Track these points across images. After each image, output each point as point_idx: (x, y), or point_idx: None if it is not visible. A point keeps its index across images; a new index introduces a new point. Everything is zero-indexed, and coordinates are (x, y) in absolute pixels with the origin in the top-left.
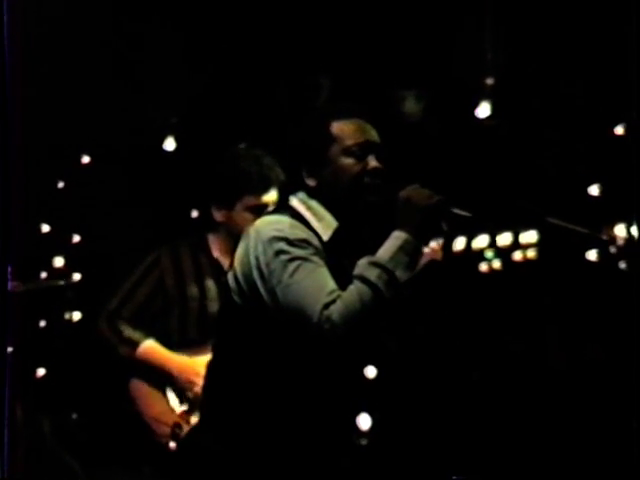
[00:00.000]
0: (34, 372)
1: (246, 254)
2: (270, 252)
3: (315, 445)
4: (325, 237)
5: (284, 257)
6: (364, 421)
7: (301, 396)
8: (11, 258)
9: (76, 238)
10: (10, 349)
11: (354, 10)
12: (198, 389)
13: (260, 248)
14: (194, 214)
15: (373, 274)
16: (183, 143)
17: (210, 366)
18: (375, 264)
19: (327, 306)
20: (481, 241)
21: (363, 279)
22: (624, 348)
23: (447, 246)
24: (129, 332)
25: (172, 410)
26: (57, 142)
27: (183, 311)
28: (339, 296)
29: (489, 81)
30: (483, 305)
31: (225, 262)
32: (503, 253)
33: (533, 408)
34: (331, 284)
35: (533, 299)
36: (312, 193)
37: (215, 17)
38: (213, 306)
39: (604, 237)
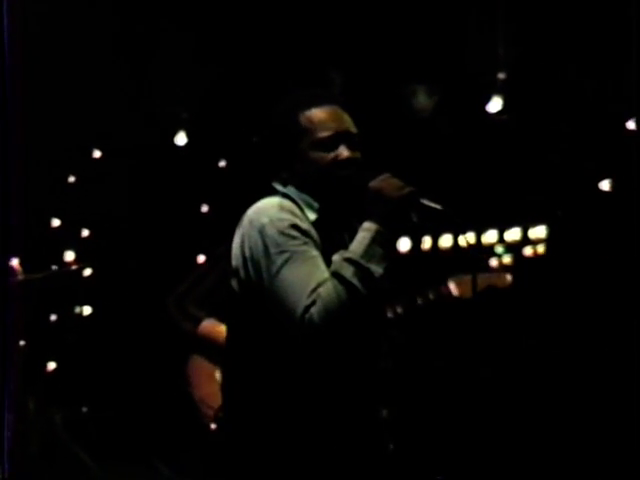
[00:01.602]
0: (45, 366)
1: (241, 245)
2: (260, 244)
3: (334, 440)
4: (312, 217)
5: (273, 250)
6: None
7: (307, 388)
8: (14, 251)
9: (86, 232)
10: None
11: (366, 5)
12: None
13: (252, 240)
14: (204, 209)
15: (348, 272)
16: (194, 138)
17: (225, 356)
18: (349, 260)
19: (308, 309)
20: (491, 236)
21: (339, 277)
22: (633, 344)
23: (416, 238)
24: (193, 310)
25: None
26: (68, 137)
27: None
28: (319, 295)
29: (500, 76)
30: (493, 301)
31: None
32: (513, 248)
33: (544, 403)
34: (316, 277)
35: (543, 295)
36: (286, 184)
37: (225, 13)
38: None
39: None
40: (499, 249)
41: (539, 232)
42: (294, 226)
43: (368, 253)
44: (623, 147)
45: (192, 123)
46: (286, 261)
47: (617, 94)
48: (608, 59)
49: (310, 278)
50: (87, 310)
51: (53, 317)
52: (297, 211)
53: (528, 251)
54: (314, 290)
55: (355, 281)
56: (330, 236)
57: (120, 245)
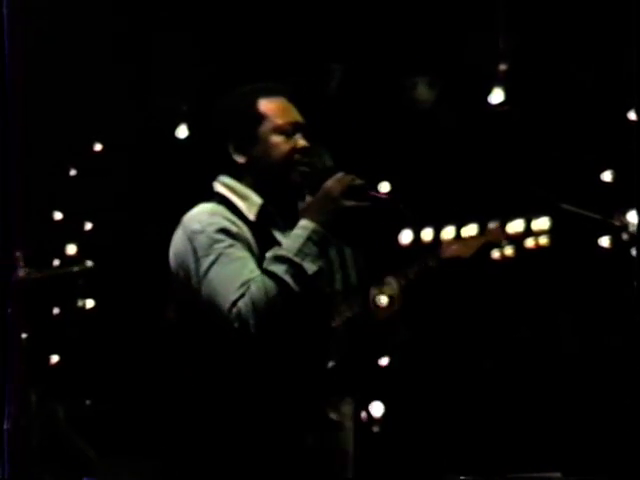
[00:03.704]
0: (48, 359)
1: (174, 251)
2: (190, 249)
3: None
4: (251, 216)
5: (201, 253)
6: (377, 409)
7: (244, 387)
8: (19, 245)
9: (88, 226)
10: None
11: None
12: None
13: (183, 246)
14: None
15: (280, 268)
16: (195, 131)
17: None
18: (282, 258)
19: (235, 303)
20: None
21: (270, 274)
22: (636, 334)
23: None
24: None
25: None
26: (69, 130)
27: None
28: (248, 289)
29: (501, 67)
30: (495, 292)
31: None
32: (515, 240)
33: (545, 395)
34: (244, 274)
35: (545, 286)
36: (238, 170)
37: (225, 4)
38: None
39: (616, 223)
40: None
41: (542, 224)
42: (223, 230)
43: (302, 251)
44: (624, 138)
45: (193, 116)
46: (213, 262)
47: (618, 84)
48: (610, 49)
49: (237, 275)
50: (90, 303)
51: (56, 310)
52: (230, 215)
53: (530, 243)
54: (243, 285)
55: (287, 278)
56: (271, 236)
57: (122, 238)
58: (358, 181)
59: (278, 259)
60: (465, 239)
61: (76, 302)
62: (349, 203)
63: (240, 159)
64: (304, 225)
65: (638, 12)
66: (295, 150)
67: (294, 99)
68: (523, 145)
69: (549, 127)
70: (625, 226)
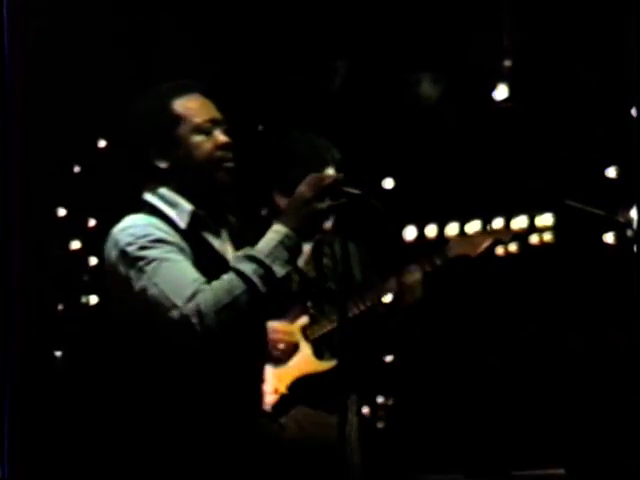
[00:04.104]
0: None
1: (107, 260)
2: (126, 261)
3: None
4: (183, 224)
5: (140, 264)
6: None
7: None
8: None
9: (92, 222)
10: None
11: None
12: None
13: (116, 256)
14: None
15: (249, 267)
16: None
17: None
18: (252, 258)
19: (192, 297)
20: (498, 224)
21: (238, 272)
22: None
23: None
24: None
25: None
26: (73, 127)
27: None
28: (210, 284)
29: (506, 63)
30: (499, 289)
31: None
32: (519, 236)
33: (550, 392)
34: (194, 275)
35: (549, 282)
36: (163, 177)
37: (227, 2)
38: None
39: (621, 220)
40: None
41: (546, 220)
42: (159, 240)
43: (273, 254)
44: (628, 134)
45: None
46: (157, 267)
47: (621, 80)
48: (614, 46)
49: (188, 272)
50: (93, 299)
51: (60, 307)
52: (162, 225)
53: (534, 239)
54: (197, 279)
55: (255, 278)
56: (205, 241)
57: None
58: (328, 180)
59: (248, 258)
60: (472, 237)
61: (79, 299)
62: (322, 205)
63: (162, 164)
64: (277, 229)
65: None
66: (217, 147)
67: (208, 93)
68: (527, 141)
69: (553, 123)
70: (629, 222)
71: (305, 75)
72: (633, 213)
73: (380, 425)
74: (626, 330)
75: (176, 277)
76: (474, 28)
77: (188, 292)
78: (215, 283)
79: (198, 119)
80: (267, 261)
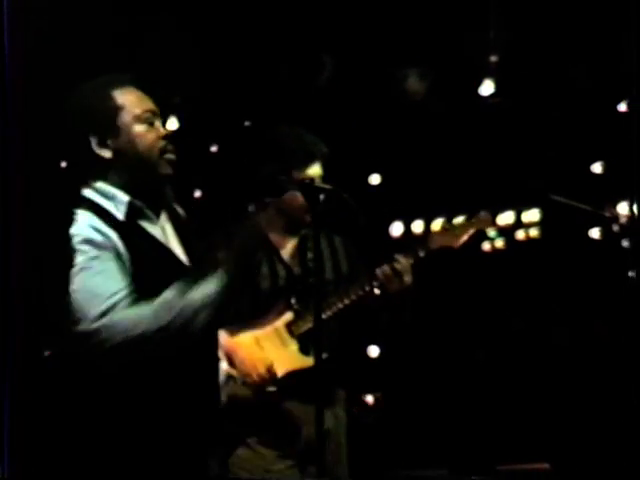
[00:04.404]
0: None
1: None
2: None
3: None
4: (121, 216)
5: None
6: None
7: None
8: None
9: None
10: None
11: None
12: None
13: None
14: (197, 194)
15: (171, 313)
16: (186, 123)
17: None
18: (182, 306)
19: (104, 314)
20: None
21: (163, 304)
22: (626, 325)
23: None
24: None
25: None
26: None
27: None
28: (130, 304)
29: (493, 59)
30: (486, 284)
31: (275, 240)
32: (505, 232)
33: (535, 386)
34: (113, 287)
35: (536, 277)
36: (104, 168)
37: None
38: (264, 283)
39: (607, 215)
40: (491, 232)
41: (532, 215)
42: (86, 241)
43: (204, 302)
44: (615, 130)
45: (184, 108)
46: (75, 274)
47: (608, 76)
48: (601, 41)
49: (104, 286)
50: None
51: None
52: (96, 222)
53: (521, 234)
54: (114, 294)
55: (173, 324)
56: (144, 231)
57: None
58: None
59: (179, 299)
60: (453, 228)
61: None
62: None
63: (106, 153)
64: (216, 281)
65: (633, 4)
66: (160, 138)
67: (142, 87)
68: (513, 137)
69: (539, 119)
70: (616, 217)
71: (292, 70)
72: (620, 208)
73: (366, 420)
74: (612, 324)
75: (92, 289)
76: (461, 24)
77: (101, 308)
78: (133, 309)
79: (138, 109)
80: (189, 311)
